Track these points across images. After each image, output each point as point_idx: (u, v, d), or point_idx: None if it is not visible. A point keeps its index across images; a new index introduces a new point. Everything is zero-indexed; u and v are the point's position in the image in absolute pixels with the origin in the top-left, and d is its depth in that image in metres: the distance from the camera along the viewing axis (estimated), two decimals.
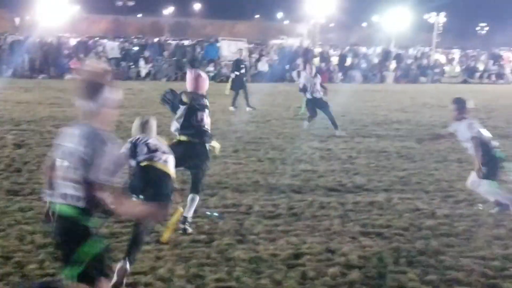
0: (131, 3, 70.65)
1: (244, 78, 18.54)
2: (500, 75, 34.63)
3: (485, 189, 7.30)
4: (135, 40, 37.53)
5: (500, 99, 22.78)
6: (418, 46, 55.80)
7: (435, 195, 8.11)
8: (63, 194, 3.46)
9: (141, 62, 29.85)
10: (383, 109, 18.24)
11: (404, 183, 8.84)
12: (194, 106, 6.54)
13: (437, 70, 34.48)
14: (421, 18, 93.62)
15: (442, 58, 42.25)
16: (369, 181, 8.93)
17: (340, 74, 31.84)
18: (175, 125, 6.63)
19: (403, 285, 5.20)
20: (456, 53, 57.21)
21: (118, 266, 4.82)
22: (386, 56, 35.30)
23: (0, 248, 5.72)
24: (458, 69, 39.57)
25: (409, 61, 35.65)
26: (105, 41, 32.68)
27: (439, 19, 53.94)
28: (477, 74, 34.75)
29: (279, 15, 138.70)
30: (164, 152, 5.52)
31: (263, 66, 31.02)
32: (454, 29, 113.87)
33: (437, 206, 7.59)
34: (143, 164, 5.38)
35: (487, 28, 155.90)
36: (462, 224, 6.84)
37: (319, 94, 13.41)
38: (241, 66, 18.30)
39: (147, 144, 5.44)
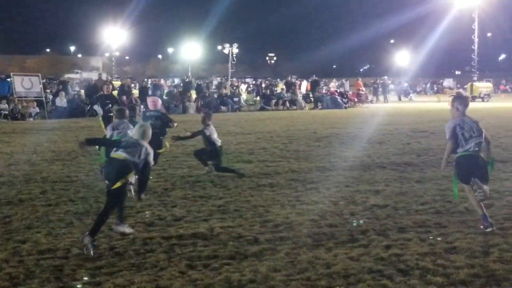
0: None
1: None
2: (293, 102, 36.76)
3: None
4: None
5: (296, 124, 24.07)
6: (215, 76, 57.07)
7: (255, 221, 8.21)
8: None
9: None
10: (190, 140, 18.32)
11: (223, 211, 8.87)
12: None
13: (236, 99, 35.74)
14: (216, 50, 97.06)
15: (242, 87, 44.05)
16: (188, 212, 8.84)
17: (142, 107, 31.59)
18: None
19: None
20: (250, 82, 59.93)
21: None
22: (186, 87, 35.85)
23: None
24: (255, 97, 41.37)
25: (210, 91, 36.54)
26: None
27: (232, 50, 56.03)
28: (273, 102, 36.52)
29: (72, 48, 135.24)
30: None
31: (61, 101, 29.80)
32: (247, 60, 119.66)
33: (258, 231, 7.69)
34: None
35: (275, 58, 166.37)
36: (284, 247, 6.99)
37: None
38: (107, 102, 16.63)
39: None
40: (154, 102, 12.94)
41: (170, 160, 14.07)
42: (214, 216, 8.56)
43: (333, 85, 48.52)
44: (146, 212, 8.85)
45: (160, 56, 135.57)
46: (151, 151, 7.62)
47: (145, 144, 7.58)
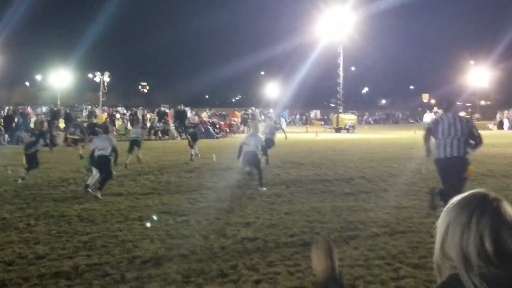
0: None
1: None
2: (165, 132, 36.52)
3: None
4: None
5: (168, 155, 23.88)
6: (86, 105, 55.17)
7: (122, 257, 7.93)
8: None
9: None
10: (58, 171, 17.65)
11: (90, 247, 8.51)
12: None
13: None
14: (86, 77, 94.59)
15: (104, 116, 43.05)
16: (52, 249, 8.40)
17: (6, 136, 30.04)
18: None
19: None
20: (122, 111, 58.90)
21: None
22: (54, 115, 34.52)
23: None
24: (129, 126, 40.63)
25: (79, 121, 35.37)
26: None
27: (104, 78, 54.99)
28: (145, 131, 36.07)
29: None
30: None
31: None
32: (119, 88, 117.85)
33: (125, 269, 7.44)
34: None
35: (148, 87, 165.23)
36: (152, 285, 6.79)
37: None
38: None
39: None
40: (193, 119, 22.50)
41: (34, 192, 13.40)
42: (79, 253, 8.18)
43: (205, 115, 48.82)
44: None
45: (27, 83, 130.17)
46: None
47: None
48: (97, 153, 13.44)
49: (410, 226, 9.95)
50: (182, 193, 13.64)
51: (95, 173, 13.40)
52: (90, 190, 12.84)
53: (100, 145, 13.53)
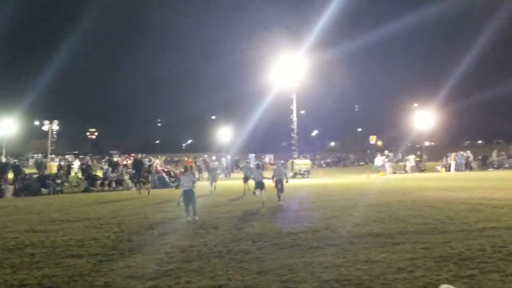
0: None
1: None
2: (119, 182, 35.76)
3: None
4: None
5: (126, 208, 23.29)
6: (32, 153, 53.74)
7: None
8: None
9: None
10: (11, 231, 16.87)
11: None
12: None
13: (58, 181, 33.94)
14: (32, 125, 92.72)
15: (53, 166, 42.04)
16: None
17: None
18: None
19: None
20: (73, 160, 57.74)
21: None
22: (3, 168, 33.44)
23: None
24: (80, 175, 39.69)
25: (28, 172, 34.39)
26: None
27: (52, 126, 53.99)
28: (98, 182, 35.27)
29: None
30: None
31: None
32: (66, 135, 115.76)
33: None
34: None
35: (96, 133, 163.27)
36: None
37: None
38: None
39: None
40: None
41: None
42: None
43: (159, 162, 48.11)
44: None
45: None
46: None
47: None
48: (184, 189, 18.83)
49: (385, 283, 9.77)
50: (146, 252, 13.13)
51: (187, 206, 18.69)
52: (196, 218, 18.37)
53: (184, 183, 18.91)
